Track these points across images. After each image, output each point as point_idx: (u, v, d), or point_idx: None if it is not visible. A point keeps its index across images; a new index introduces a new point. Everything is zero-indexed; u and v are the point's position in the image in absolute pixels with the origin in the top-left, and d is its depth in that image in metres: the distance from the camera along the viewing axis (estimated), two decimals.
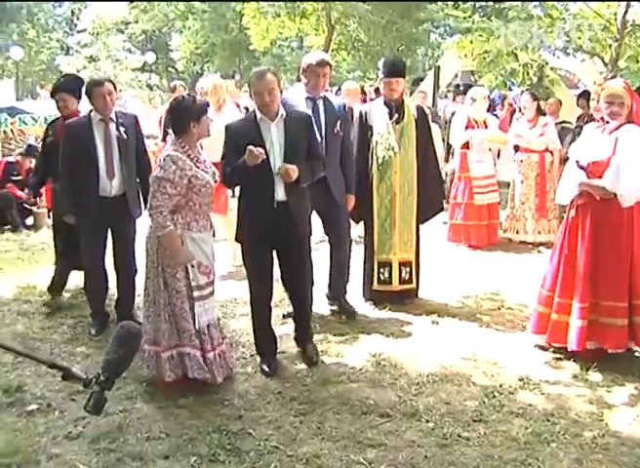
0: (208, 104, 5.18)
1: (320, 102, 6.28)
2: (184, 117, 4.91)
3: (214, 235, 5.38)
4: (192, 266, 4.97)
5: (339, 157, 6.38)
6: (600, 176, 5.42)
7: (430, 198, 7.04)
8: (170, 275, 4.96)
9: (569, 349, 5.60)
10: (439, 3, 27.23)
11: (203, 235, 5.05)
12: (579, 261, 5.58)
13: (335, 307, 6.77)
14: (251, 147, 4.99)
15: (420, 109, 7.16)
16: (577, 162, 5.57)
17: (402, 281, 7.02)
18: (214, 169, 5.17)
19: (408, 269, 7.01)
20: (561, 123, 10.99)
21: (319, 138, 6.08)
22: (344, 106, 6.53)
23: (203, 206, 5.02)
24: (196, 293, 5.00)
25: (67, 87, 6.75)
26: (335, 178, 6.28)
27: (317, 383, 5.26)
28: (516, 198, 9.92)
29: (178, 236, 4.89)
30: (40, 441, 4.40)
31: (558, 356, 5.73)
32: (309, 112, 6.06)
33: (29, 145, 12.31)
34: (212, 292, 5.17)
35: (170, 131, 5.11)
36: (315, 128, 5.99)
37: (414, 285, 7.12)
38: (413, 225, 6.97)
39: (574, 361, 5.61)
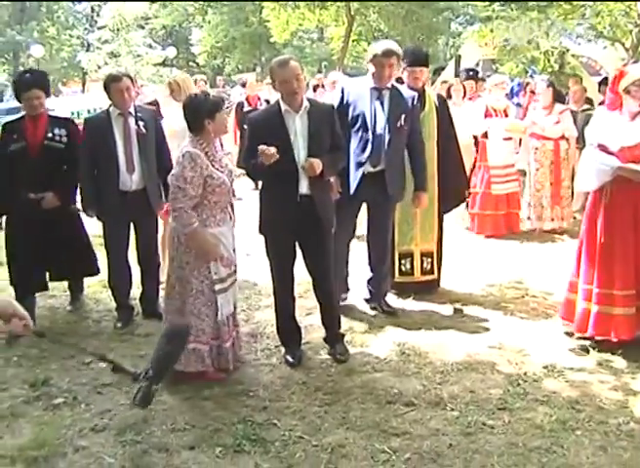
0: (223, 100, 5.15)
1: (386, 93, 6.06)
2: (198, 114, 4.89)
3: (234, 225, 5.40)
4: (215, 260, 4.99)
5: (402, 153, 6.22)
6: (634, 161, 5.34)
7: (452, 187, 6.96)
8: (189, 271, 4.96)
9: (615, 339, 5.48)
10: None
11: (222, 228, 5.04)
12: (620, 248, 5.45)
13: (374, 306, 6.66)
14: (262, 147, 4.93)
15: (441, 98, 7.11)
16: (603, 147, 5.47)
17: (424, 271, 6.99)
18: (230, 166, 5.17)
19: (429, 260, 6.97)
20: (585, 110, 10.89)
21: (382, 132, 5.98)
22: (414, 98, 6.24)
23: (219, 202, 5.00)
24: (218, 287, 5.01)
25: (41, 83, 6.23)
26: (393, 173, 6.12)
27: (342, 373, 5.27)
28: (531, 186, 9.84)
29: (203, 232, 4.89)
30: (66, 433, 4.43)
31: (582, 343, 5.70)
32: (374, 103, 6.00)
33: None
34: (233, 283, 5.19)
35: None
36: (373, 120, 5.96)
37: (435, 275, 7.08)
38: (434, 215, 6.92)
39: (598, 349, 5.57)
